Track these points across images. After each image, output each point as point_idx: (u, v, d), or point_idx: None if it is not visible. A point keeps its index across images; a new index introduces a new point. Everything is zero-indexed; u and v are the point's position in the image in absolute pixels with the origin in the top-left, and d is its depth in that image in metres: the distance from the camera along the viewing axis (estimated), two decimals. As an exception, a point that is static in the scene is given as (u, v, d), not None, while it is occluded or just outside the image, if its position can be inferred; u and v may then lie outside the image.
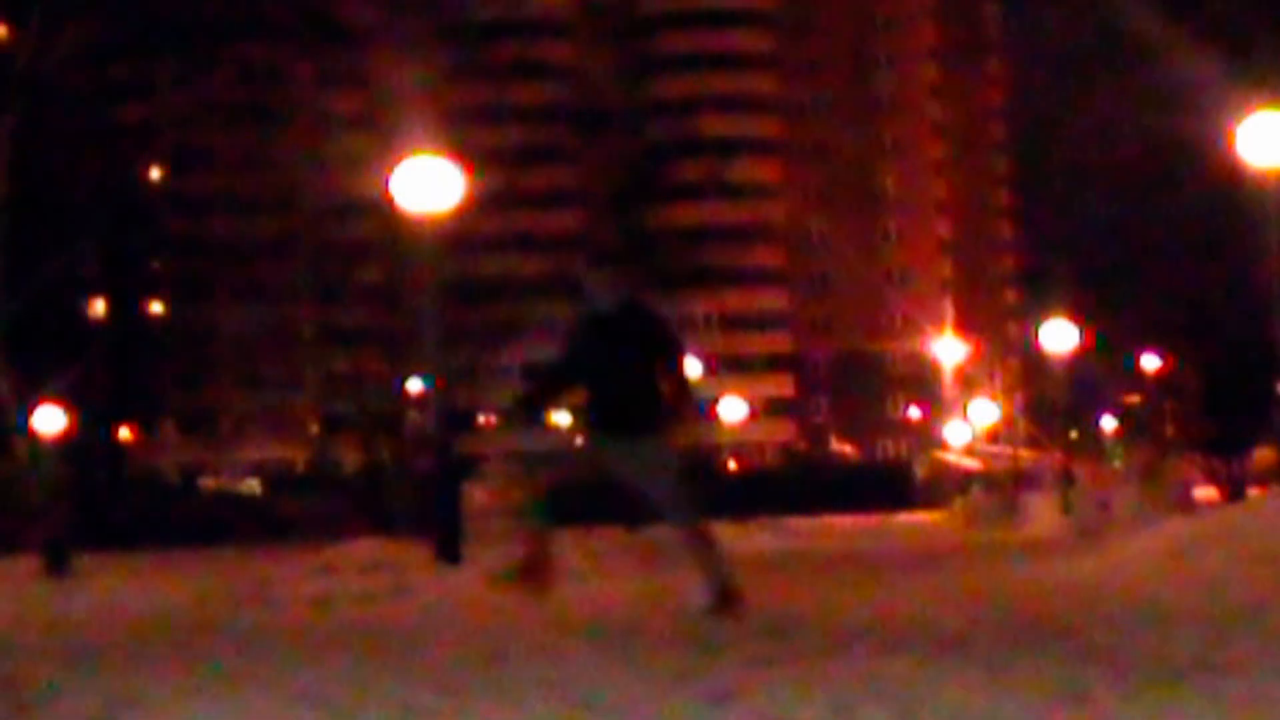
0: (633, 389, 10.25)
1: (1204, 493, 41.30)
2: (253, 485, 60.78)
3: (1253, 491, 41.12)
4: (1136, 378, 58.39)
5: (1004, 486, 51.59)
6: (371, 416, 47.78)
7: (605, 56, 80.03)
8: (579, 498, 10.58)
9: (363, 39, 41.73)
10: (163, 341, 49.90)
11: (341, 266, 49.15)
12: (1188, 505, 30.43)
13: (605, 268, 10.65)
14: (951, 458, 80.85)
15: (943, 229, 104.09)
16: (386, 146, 26.13)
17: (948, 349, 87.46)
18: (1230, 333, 44.79)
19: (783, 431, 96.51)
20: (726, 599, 10.13)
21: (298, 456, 69.37)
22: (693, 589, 10.63)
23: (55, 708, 6.55)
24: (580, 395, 10.58)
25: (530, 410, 10.90)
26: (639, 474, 10.25)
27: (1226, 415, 47.05)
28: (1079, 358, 42.34)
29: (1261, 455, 49.69)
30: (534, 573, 10.44)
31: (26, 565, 22.18)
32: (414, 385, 44.06)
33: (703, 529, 10.38)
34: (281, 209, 48.70)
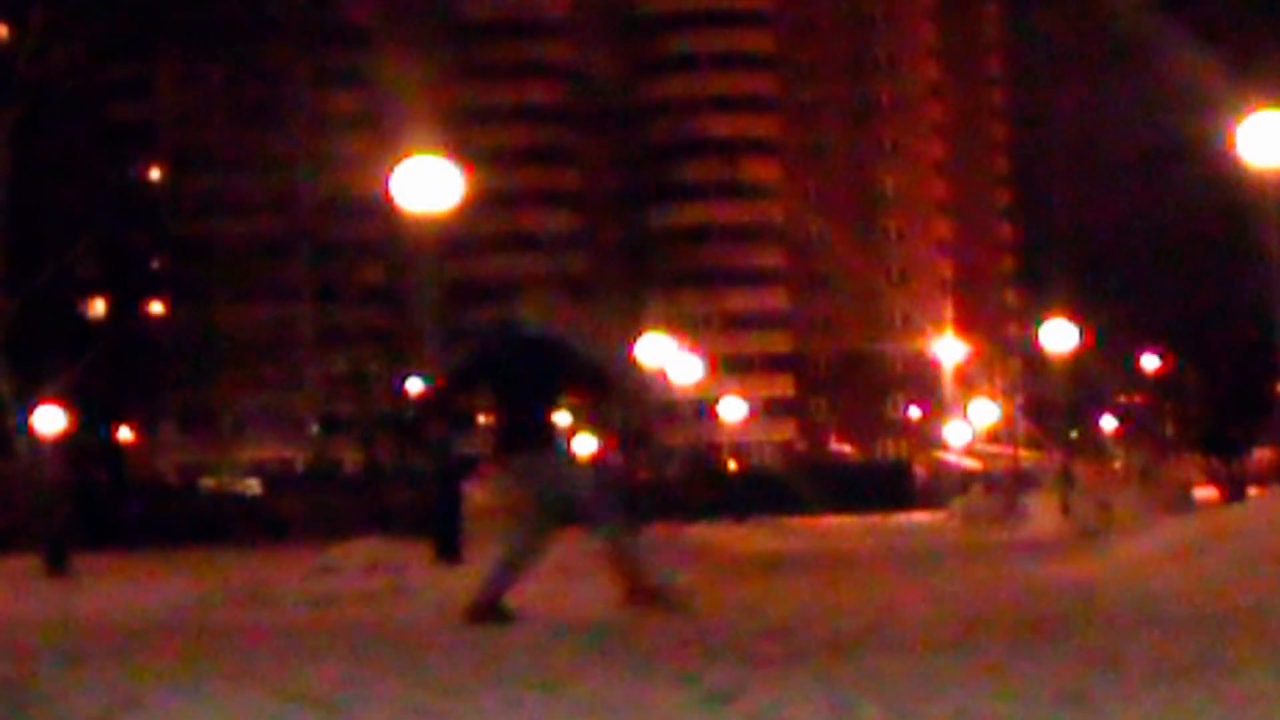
0: (533, 412, 10.74)
1: (1204, 493, 41.28)
2: (253, 485, 60.76)
3: (1253, 491, 41.08)
4: (1136, 378, 58.37)
5: (1004, 486, 51.57)
6: (371, 416, 47.87)
7: (605, 56, 79.94)
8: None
9: (363, 39, 41.80)
10: (163, 341, 49.88)
11: (341, 266, 49.26)
12: (1187, 505, 30.42)
13: (543, 296, 11.23)
14: (951, 458, 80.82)
15: (943, 229, 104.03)
16: (386, 146, 26.15)
17: (948, 349, 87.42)
18: (1230, 333, 44.75)
19: (783, 431, 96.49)
20: (487, 611, 10.38)
21: (298, 456, 69.43)
22: (696, 589, 10.63)
23: (55, 708, 6.55)
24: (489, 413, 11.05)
25: (435, 411, 11.34)
26: (541, 488, 10.62)
27: (1226, 415, 47.01)
28: (1079, 358, 42.32)
29: (1261, 455, 49.67)
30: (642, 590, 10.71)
31: (26, 565, 22.16)
32: (414, 385, 44.13)
33: (535, 547, 10.73)
34: (281, 209, 48.72)
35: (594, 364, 11.53)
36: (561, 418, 11.02)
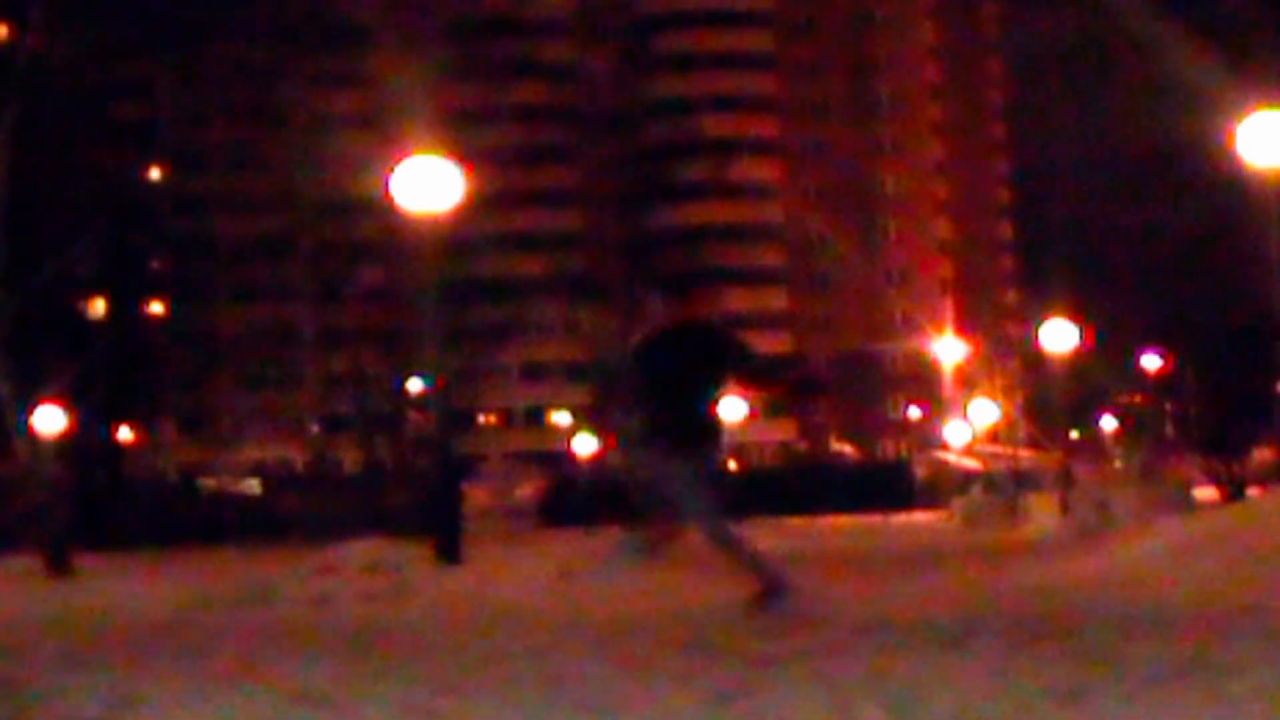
0: (697, 407, 10.68)
1: (1204, 493, 41.25)
2: (253, 485, 60.75)
3: (1253, 491, 41.07)
4: (1136, 378, 58.37)
5: (1004, 486, 51.55)
6: (371, 416, 47.86)
7: (605, 56, 79.93)
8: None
9: (363, 39, 41.79)
10: (163, 341, 49.92)
11: (341, 266, 49.24)
12: (1187, 505, 30.40)
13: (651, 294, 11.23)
14: (951, 458, 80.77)
15: (943, 229, 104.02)
16: (386, 146, 26.15)
17: (948, 349, 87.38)
18: (1230, 333, 44.72)
19: (783, 431, 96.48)
20: (771, 589, 10.32)
21: (298, 456, 69.41)
22: (700, 588, 10.63)
23: (55, 708, 6.55)
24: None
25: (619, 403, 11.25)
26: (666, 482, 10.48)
27: (1226, 415, 46.99)
28: (1079, 358, 42.32)
29: (1261, 455, 49.67)
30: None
31: (26, 565, 22.16)
32: (414, 385, 44.14)
33: (722, 531, 10.61)
34: (281, 209, 48.73)
35: (757, 353, 11.41)
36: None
